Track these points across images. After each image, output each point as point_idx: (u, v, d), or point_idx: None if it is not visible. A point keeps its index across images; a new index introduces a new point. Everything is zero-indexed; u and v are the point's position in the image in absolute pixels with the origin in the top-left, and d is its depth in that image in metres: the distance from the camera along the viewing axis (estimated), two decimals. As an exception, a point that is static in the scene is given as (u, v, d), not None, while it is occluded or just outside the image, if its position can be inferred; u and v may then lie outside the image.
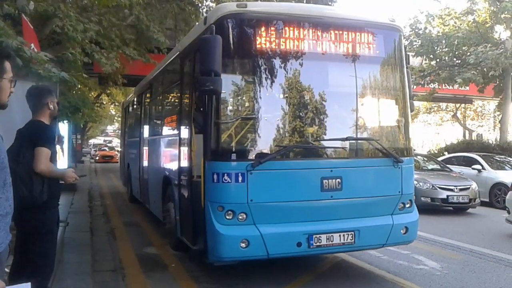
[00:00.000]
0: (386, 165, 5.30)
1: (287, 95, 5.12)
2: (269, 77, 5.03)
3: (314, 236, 4.87)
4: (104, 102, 35.75)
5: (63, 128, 14.16)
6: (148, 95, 9.95)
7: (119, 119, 48.36)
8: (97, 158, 39.85)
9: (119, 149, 25.15)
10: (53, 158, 3.61)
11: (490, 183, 13.26)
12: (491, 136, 33.17)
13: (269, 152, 4.87)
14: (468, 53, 18.97)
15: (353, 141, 5.32)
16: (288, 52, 5.05)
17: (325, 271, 5.90)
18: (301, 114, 5.11)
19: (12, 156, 3.40)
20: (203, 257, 5.10)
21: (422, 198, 11.23)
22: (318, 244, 4.89)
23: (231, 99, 5.02)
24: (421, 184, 11.54)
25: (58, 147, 8.99)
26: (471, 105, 36.45)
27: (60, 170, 3.82)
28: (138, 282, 5.41)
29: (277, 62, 5.04)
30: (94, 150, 48.29)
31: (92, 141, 65.00)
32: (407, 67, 5.78)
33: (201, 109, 4.99)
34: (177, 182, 6.15)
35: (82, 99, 13.85)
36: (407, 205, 5.49)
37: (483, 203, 12.57)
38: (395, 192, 5.36)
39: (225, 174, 4.67)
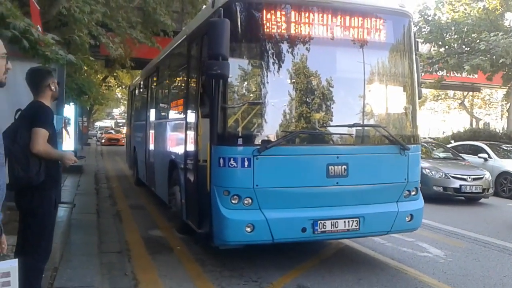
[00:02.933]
0: (393, 152, 5.27)
1: (294, 80, 5.08)
2: (277, 62, 4.98)
3: (319, 221, 4.87)
4: (111, 85, 35.72)
5: (69, 110, 14.18)
6: (154, 78, 9.89)
7: (125, 102, 48.61)
8: (103, 140, 40.02)
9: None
10: (52, 140, 3.57)
11: (496, 172, 13.18)
12: (498, 124, 32.98)
13: (276, 138, 4.85)
14: (478, 40, 18.75)
15: (360, 128, 5.29)
16: (296, 37, 4.98)
17: (329, 257, 5.94)
18: (308, 100, 5.08)
19: (8, 135, 3.41)
20: (208, 241, 5.10)
21: (434, 187, 11.13)
22: (322, 230, 4.90)
23: (238, 84, 4.99)
24: (433, 173, 11.39)
25: (64, 132, 9.04)
26: (479, 93, 36.17)
27: (58, 152, 3.78)
28: (143, 264, 5.46)
29: (285, 47, 4.98)
30: (100, 133, 48.43)
31: (98, 123, 65.16)
32: (416, 54, 5.70)
33: (208, 93, 4.95)
34: (183, 166, 6.14)
35: (87, 81, 13.83)
36: (413, 193, 5.47)
37: (488, 192, 12.54)
38: (401, 180, 5.34)
39: (231, 159, 4.67)
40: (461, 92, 35.60)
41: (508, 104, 23.46)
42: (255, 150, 4.66)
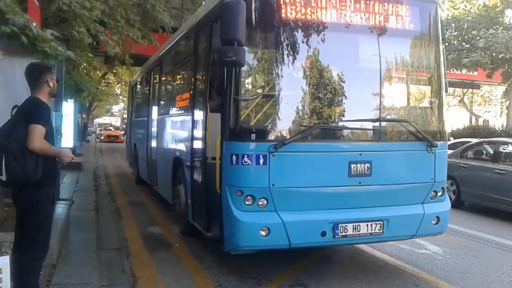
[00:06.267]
0: (419, 150, 4.95)
1: (313, 70, 4.72)
2: (295, 50, 4.62)
3: (339, 225, 4.54)
4: (111, 82, 35.68)
5: (68, 107, 14.16)
6: (157, 72, 9.40)
7: (125, 99, 48.52)
8: (102, 137, 40.05)
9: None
10: (49, 137, 3.56)
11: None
12: (497, 122, 32.96)
13: (293, 133, 4.50)
14: (478, 37, 18.74)
15: (384, 123, 4.96)
16: (315, 23, 4.64)
17: (328, 253, 5.94)
18: (328, 91, 4.70)
19: (3, 132, 3.40)
20: (218, 245, 4.81)
21: None
22: (343, 234, 4.57)
23: (253, 74, 4.67)
24: None
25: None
26: (478, 90, 36.15)
27: (55, 148, 3.75)
28: (142, 260, 5.47)
29: (303, 34, 4.63)
30: (100, 130, 48.42)
31: (97, 120, 65.14)
32: (442, 44, 5.37)
33: (219, 84, 4.68)
34: (189, 163, 5.80)
35: (84, 79, 13.80)
36: (439, 194, 5.13)
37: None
38: (428, 179, 5.01)
39: (245, 156, 4.34)
40: (461, 90, 35.57)
41: (508, 101, 23.44)
42: (271, 146, 4.34)
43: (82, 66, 13.37)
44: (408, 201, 4.96)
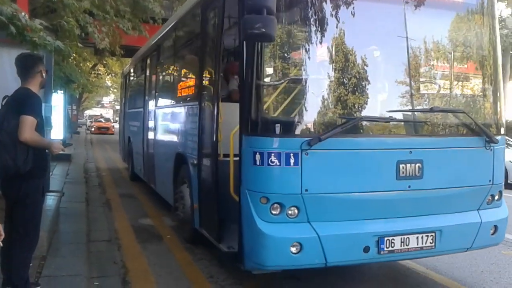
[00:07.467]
0: (477, 146, 4.22)
1: (354, 50, 3.91)
2: (330, 25, 3.82)
3: (385, 238, 3.82)
4: (101, 73, 35.44)
5: (58, 98, 14.04)
6: (155, 58, 8.46)
7: (115, 90, 48.23)
8: (93, 129, 39.89)
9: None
10: (40, 128, 3.55)
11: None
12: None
13: (331, 126, 3.70)
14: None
15: (438, 114, 4.17)
16: None
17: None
18: (370, 76, 3.96)
19: None
20: (235, 262, 4.06)
21: None
22: (390, 249, 3.85)
23: (280, 53, 3.84)
24: None
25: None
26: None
27: (46, 140, 3.76)
28: (133, 252, 5.45)
29: (340, 6, 3.86)
30: (90, 121, 48.20)
31: (87, 112, 64.73)
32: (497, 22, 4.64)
33: (236, 66, 4.05)
34: (195, 161, 5.06)
35: (74, 69, 13.69)
36: (496, 198, 4.41)
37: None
38: (486, 181, 4.27)
39: (272, 154, 3.57)
40: None
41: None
42: (305, 143, 3.57)
43: (72, 57, 13.24)
44: (462, 207, 4.25)
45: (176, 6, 14.11)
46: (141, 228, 6.62)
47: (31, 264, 3.82)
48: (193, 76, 5.82)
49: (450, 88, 4.51)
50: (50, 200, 6.40)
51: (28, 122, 3.39)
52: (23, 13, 4.57)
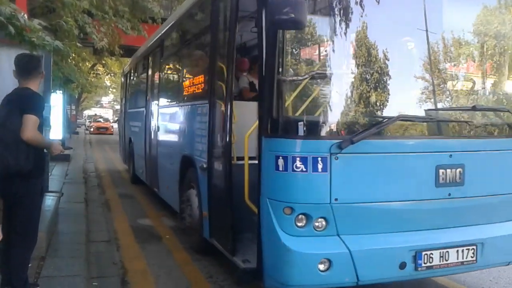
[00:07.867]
0: None
1: (384, 42, 3.56)
2: (364, 14, 3.45)
3: (423, 253, 3.44)
4: (100, 73, 35.47)
5: (57, 98, 14.04)
6: (158, 55, 7.93)
7: (114, 90, 48.20)
8: (92, 129, 39.90)
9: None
10: (39, 128, 3.55)
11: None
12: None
13: (364, 127, 3.34)
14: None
15: (478, 114, 3.81)
16: None
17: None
18: (406, 71, 3.68)
19: None
20: (254, 279, 3.62)
21: None
22: (428, 264, 3.47)
23: (306, 44, 3.55)
24: None
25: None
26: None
27: (47, 140, 3.79)
28: (132, 253, 5.45)
29: None
30: (89, 121, 48.21)
31: (86, 112, 64.73)
32: None
33: (255, 59, 3.76)
34: (205, 164, 4.63)
35: (73, 69, 13.68)
36: None
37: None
38: None
39: (297, 159, 3.19)
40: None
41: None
42: (334, 146, 3.19)
43: (71, 57, 13.24)
44: (504, 217, 3.89)
45: (175, 6, 14.13)
46: (140, 228, 6.62)
47: (30, 265, 3.80)
48: (202, 72, 5.36)
49: (495, 85, 4.15)
50: (49, 200, 6.39)
51: (32, 120, 3.41)
52: (22, 13, 4.56)
